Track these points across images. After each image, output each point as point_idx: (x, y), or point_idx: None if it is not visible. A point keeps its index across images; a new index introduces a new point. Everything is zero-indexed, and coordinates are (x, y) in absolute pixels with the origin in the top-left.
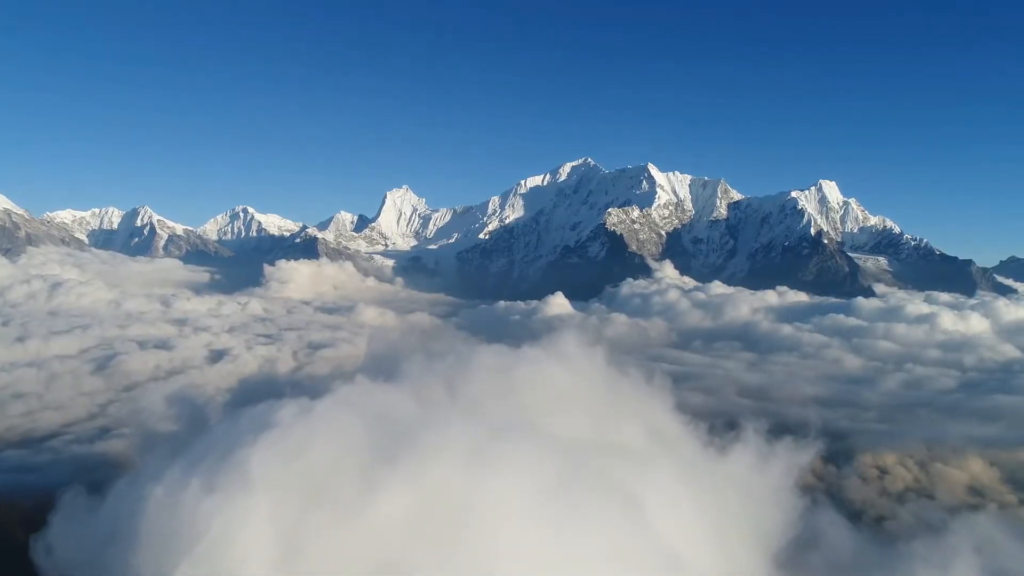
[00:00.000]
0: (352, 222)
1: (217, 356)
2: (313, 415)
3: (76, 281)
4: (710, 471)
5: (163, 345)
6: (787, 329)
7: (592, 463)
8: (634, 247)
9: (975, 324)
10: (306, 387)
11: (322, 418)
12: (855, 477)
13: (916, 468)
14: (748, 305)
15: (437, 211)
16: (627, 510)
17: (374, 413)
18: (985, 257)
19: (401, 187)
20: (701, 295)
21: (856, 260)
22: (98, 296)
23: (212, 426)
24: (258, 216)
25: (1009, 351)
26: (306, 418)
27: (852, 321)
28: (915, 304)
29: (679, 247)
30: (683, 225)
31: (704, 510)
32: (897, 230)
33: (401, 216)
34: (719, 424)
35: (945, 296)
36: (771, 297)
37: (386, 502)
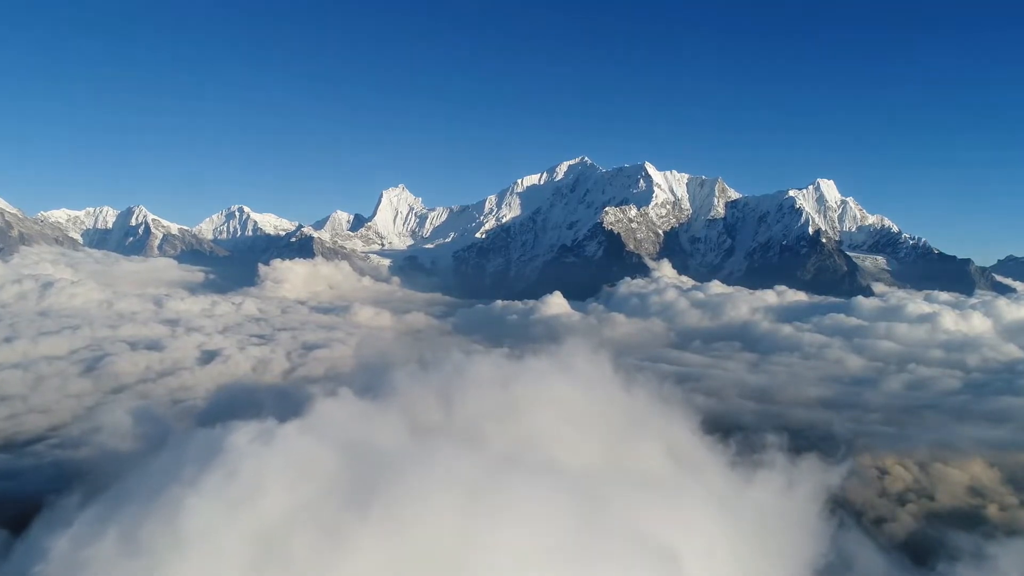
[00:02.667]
0: (348, 221)
1: (209, 357)
2: (275, 443)
3: (68, 281)
4: (734, 495)
5: (154, 346)
6: (787, 329)
7: (609, 498)
8: (631, 246)
9: (977, 324)
10: (289, 396)
11: (285, 447)
12: (865, 483)
13: (916, 469)
14: (747, 305)
15: (434, 210)
16: (651, 551)
17: (351, 440)
18: (982, 256)
19: (397, 186)
20: (700, 294)
21: (854, 259)
22: (90, 296)
23: (152, 454)
24: (254, 215)
25: (1013, 351)
26: (265, 447)
27: (853, 321)
28: (916, 303)
29: (677, 246)
30: (680, 224)
31: (730, 538)
32: (895, 229)
33: (397, 215)
34: (736, 438)
35: (945, 295)
36: (770, 296)
37: (358, 560)
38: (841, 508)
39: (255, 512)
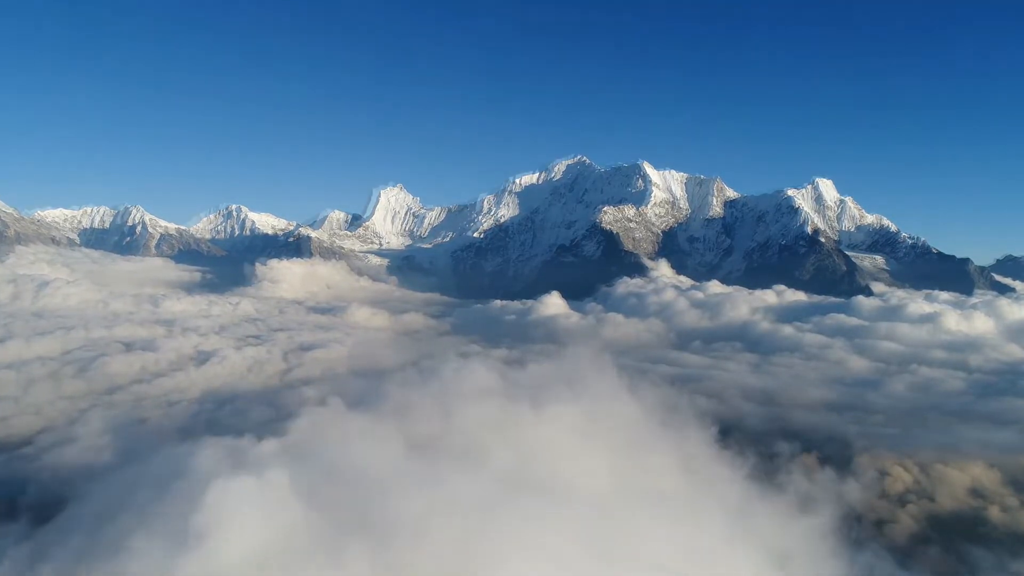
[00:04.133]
0: (345, 221)
1: (204, 358)
2: (247, 465)
3: (63, 281)
4: (747, 508)
5: (149, 346)
6: (788, 329)
7: (619, 518)
8: (629, 246)
9: (979, 324)
10: (279, 403)
11: (259, 469)
12: (867, 485)
13: (917, 471)
14: (747, 304)
15: (431, 210)
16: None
17: (337, 459)
18: (980, 256)
19: (394, 186)
20: (699, 294)
21: (853, 259)
22: (85, 296)
23: (116, 472)
24: (250, 215)
25: (1015, 351)
26: (235, 469)
27: (853, 321)
28: (917, 303)
29: (674, 246)
30: (678, 224)
31: (743, 553)
32: (894, 228)
33: (395, 215)
34: (745, 446)
35: (946, 295)
36: (770, 296)
37: None
38: (856, 521)
39: (213, 550)
